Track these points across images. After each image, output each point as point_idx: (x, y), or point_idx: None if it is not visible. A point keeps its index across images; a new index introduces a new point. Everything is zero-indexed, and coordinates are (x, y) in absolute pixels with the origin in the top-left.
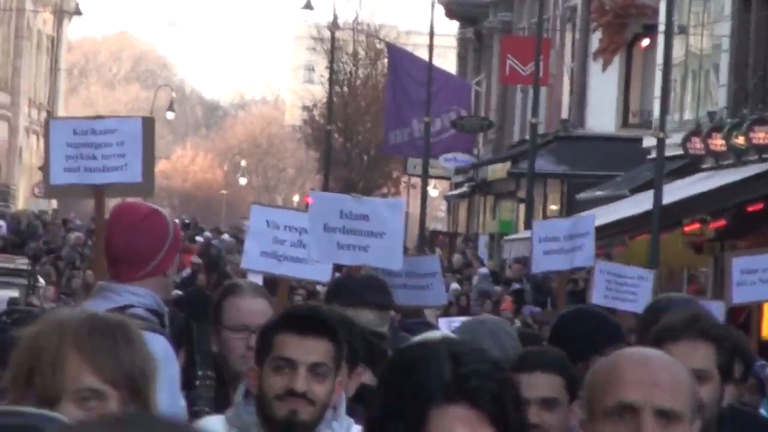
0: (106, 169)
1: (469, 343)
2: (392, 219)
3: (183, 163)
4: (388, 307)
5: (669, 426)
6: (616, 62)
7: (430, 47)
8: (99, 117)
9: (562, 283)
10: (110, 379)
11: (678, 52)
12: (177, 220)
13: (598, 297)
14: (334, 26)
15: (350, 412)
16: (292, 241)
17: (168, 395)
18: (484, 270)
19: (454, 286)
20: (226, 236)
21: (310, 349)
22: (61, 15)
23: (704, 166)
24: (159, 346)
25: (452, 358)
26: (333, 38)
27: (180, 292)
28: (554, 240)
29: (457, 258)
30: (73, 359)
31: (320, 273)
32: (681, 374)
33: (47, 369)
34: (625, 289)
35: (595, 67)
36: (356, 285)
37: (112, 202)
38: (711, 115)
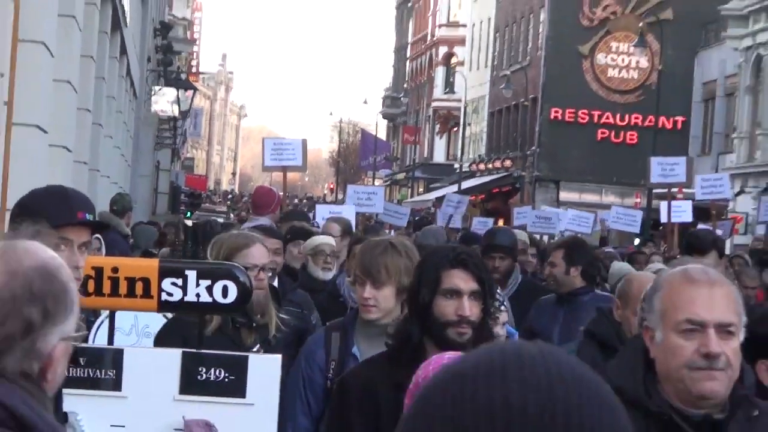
0: (287, 158)
1: (459, 246)
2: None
3: (279, 174)
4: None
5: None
6: (445, 136)
7: (376, 130)
8: (283, 138)
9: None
10: (384, 275)
11: (468, 132)
12: (280, 193)
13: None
14: (340, 123)
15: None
16: (366, 197)
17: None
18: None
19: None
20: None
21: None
22: (239, 116)
23: (477, 175)
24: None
25: (452, 249)
26: (340, 128)
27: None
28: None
29: None
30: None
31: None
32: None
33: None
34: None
35: (437, 137)
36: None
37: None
38: (479, 156)
